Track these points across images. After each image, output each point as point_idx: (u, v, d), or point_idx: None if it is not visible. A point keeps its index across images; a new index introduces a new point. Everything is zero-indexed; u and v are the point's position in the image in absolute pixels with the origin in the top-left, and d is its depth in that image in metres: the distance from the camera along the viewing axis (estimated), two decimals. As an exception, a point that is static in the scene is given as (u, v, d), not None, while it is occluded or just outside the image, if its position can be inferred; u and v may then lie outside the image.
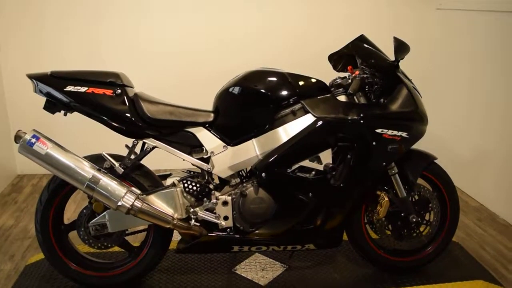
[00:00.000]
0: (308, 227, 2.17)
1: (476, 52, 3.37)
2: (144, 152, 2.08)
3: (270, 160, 2.01)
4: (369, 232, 2.33)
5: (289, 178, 2.04)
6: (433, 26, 3.81)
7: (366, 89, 2.14)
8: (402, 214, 2.26)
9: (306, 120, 2.04)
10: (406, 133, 2.09)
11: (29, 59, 3.47)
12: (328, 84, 2.20)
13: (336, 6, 3.71)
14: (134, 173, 2.11)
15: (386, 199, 2.20)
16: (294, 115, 2.06)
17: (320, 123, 2.01)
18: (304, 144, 2.02)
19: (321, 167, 2.05)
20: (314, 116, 2.03)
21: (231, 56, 3.62)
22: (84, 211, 2.11)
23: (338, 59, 2.33)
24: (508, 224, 3.03)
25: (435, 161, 2.35)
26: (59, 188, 2.09)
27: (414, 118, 2.12)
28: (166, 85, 3.48)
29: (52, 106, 2.04)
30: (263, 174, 2.01)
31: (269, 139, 2.05)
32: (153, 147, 2.09)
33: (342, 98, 2.15)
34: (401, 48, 2.01)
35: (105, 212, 2.05)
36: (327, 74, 2.30)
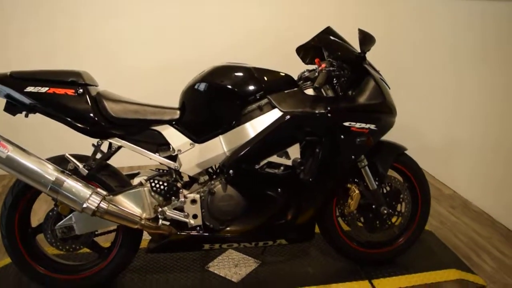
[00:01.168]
0: (279, 223, 2.15)
1: (448, 41, 3.38)
2: (109, 152, 2.04)
3: (237, 156, 1.99)
4: (341, 225, 2.33)
5: (257, 175, 2.02)
6: (407, 14, 3.81)
7: (334, 82, 2.12)
8: (373, 206, 2.26)
9: (273, 115, 2.02)
10: (374, 125, 2.09)
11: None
12: (297, 78, 2.18)
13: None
14: (100, 173, 2.07)
15: (357, 191, 2.20)
16: (261, 110, 2.04)
17: (286, 117, 1.99)
18: (271, 139, 2.00)
19: (289, 162, 2.03)
20: (281, 110, 2.01)
21: (202, 52, 3.58)
22: (50, 213, 2.07)
23: (306, 52, 2.30)
24: (481, 211, 3.07)
25: (405, 152, 2.34)
26: (23, 191, 2.04)
27: (382, 110, 2.11)
28: (135, 82, 3.44)
29: (12, 107, 1.98)
30: (231, 171, 1.99)
31: (236, 135, 2.03)
32: (119, 147, 2.05)
33: (310, 91, 2.13)
34: (366, 39, 1.99)
35: (71, 214, 2.02)
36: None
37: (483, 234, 2.79)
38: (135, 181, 2.10)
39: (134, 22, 3.53)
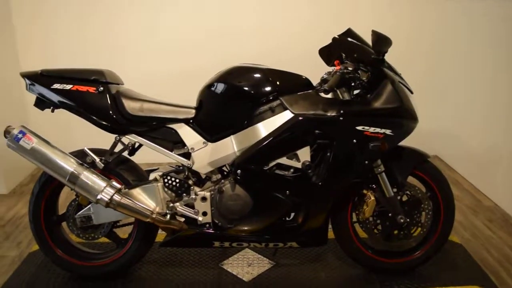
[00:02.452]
0: (289, 225, 2.15)
1: (494, 43, 3.18)
2: (126, 147, 2.13)
3: (246, 157, 2.01)
4: (357, 231, 2.28)
5: (265, 176, 2.02)
6: (436, 20, 3.66)
7: (352, 84, 2.08)
8: (390, 214, 2.19)
9: (284, 116, 2.02)
10: (390, 130, 2.02)
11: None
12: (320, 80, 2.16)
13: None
14: (118, 167, 2.17)
15: (372, 198, 2.14)
16: (273, 111, 2.04)
17: (297, 119, 1.98)
18: (280, 141, 1.99)
19: (299, 165, 2.02)
20: (292, 112, 2.00)
21: (222, 52, 3.62)
22: (73, 203, 2.20)
23: (328, 54, 2.27)
24: (521, 227, 2.86)
25: (429, 160, 2.24)
26: (49, 181, 2.18)
27: (398, 115, 2.04)
28: (159, 81, 3.57)
29: (41, 103, 2.13)
30: (239, 171, 2.01)
31: (246, 135, 2.04)
32: (135, 143, 2.14)
33: (329, 94, 2.10)
34: (380, 42, 1.93)
35: (89, 205, 2.13)
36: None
37: (519, 250, 2.61)
38: (151, 176, 2.17)
39: (162, 24, 3.68)
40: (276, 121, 2.02)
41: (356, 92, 2.15)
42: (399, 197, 2.21)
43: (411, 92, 2.16)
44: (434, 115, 3.88)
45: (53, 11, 3.60)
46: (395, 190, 2.18)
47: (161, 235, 2.28)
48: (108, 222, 2.20)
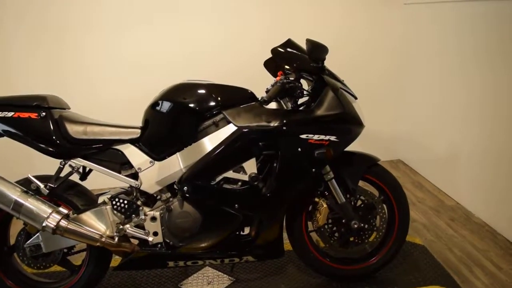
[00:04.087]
0: (243, 239, 2.12)
1: (447, 47, 3.24)
2: (71, 172, 2.10)
3: (191, 173, 1.99)
4: (313, 241, 2.26)
5: (212, 191, 2.01)
6: (402, 22, 3.71)
7: (295, 94, 2.08)
8: (343, 221, 2.19)
9: (228, 130, 2.01)
10: (334, 137, 2.02)
11: None
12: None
13: (303, 5, 3.65)
14: (66, 193, 2.14)
15: (325, 205, 2.14)
16: (217, 126, 2.03)
17: (240, 132, 1.97)
18: (225, 155, 1.98)
19: (246, 178, 2.01)
20: (235, 125, 2.00)
21: (175, 74, 3.58)
22: (22, 232, 2.15)
23: (272, 66, 2.28)
24: (483, 223, 2.88)
25: (379, 163, 2.25)
26: (-4, 212, 2.14)
27: (341, 121, 2.04)
28: (114, 105, 3.55)
29: None
30: (185, 187, 1.99)
31: (191, 152, 2.03)
32: (85, 167, 2.11)
33: (273, 105, 2.10)
34: (316, 49, 1.95)
35: (38, 233, 2.09)
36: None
37: (481, 247, 2.61)
38: (100, 199, 2.14)
39: (126, 43, 3.63)
40: (220, 135, 2.01)
41: (302, 101, 2.17)
42: (352, 203, 2.21)
43: (355, 98, 2.18)
44: (395, 120, 3.93)
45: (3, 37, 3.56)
46: (347, 196, 2.18)
47: (117, 259, 2.24)
48: (59, 250, 2.15)
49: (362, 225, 2.19)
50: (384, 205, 2.27)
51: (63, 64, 3.59)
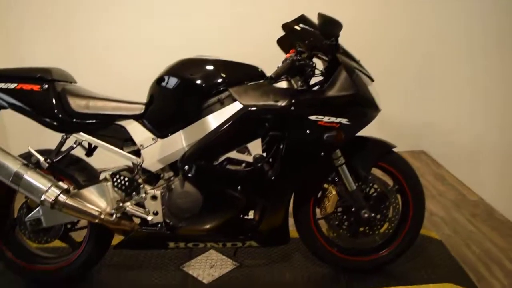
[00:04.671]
0: (248, 223, 2.04)
1: (477, 38, 3.04)
2: (72, 146, 2.05)
3: (193, 152, 1.91)
4: (320, 228, 2.16)
5: (213, 171, 1.92)
6: (432, 12, 3.52)
7: (306, 73, 1.97)
8: (353, 209, 2.07)
9: (234, 108, 1.91)
10: (346, 120, 1.90)
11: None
12: None
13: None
14: (68, 167, 2.09)
15: (334, 192, 2.04)
16: (222, 103, 1.94)
17: (246, 111, 1.88)
18: (228, 134, 1.89)
19: (250, 159, 1.91)
20: (241, 103, 1.90)
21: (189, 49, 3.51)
22: (23, 206, 2.13)
23: (285, 43, 2.16)
24: (505, 220, 2.71)
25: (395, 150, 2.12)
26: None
27: (354, 103, 1.92)
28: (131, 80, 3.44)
29: None
30: (186, 167, 1.91)
31: (195, 130, 1.94)
32: (82, 142, 2.06)
33: (283, 84, 1.99)
34: (328, 25, 1.81)
35: (39, 207, 2.05)
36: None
37: (501, 245, 2.46)
38: (101, 176, 2.08)
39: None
40: (225, 114, 1.91)
41: (316, 81, 2.06)
42: (364, 191, 2.09)
43: (371, 80, 2.05)
44: (421, 110, 3.75)
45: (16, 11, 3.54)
46: (358, 183, 2.06)
47: (119, 238, 2.19)
48: (60, 225, 2.12)
49: (372, 214, 2.07)
50: (398, 195, 2.14)
51: (73, 39, 3.56)
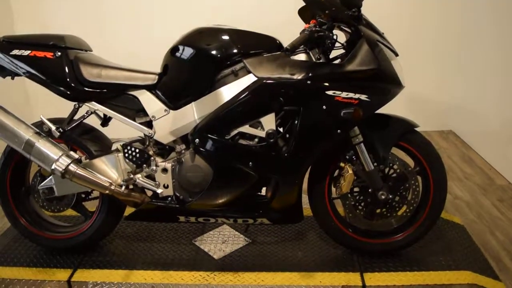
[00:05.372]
0: (260, 200, 1.98)
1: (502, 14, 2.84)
2: (84, 116, 2.02)
3: (204, 125, 1.85)
4: (336, 208, 2.09)
5: (225, 145, 1.86)
6: None
7: (329, 45, 1.87)
8: (370, 190, 1.99)
9: (248, 80, 1.83)
10: (365, 96, 1.80)
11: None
12: None
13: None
14: (81, 137, 2.08)
15: (350, 172, 1.95)
16: (236, 75, 1.86)
17: (260, 83, 1.80)
18: (241, 107, 1.81)
19: (263, 134, 1.84)
20: (256, 76, 1.82)
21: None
22: (37, 174, 2.13)
23: (306, 13, 2.05)
24: (535, 208, 2.57)
25: (417, 130, 2.01)
26: (14, 151, 2.11)
27: (375, 78, 1.81)
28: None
29: (1, 70, 2.05)
30: (196, 140, 1.86)
31: (207, 102, 1.88)
32: (94, 111, 2.02)
33: (301, 56, 1.90)
34: None
35: (51, 176, 2.05)
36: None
37: (528, 234, 2.33)
38: (114, 146, 2.06)
39: None
40: (238, 86, 1.84)
41: (337, 55, 1.96)
42: (382, 172, 1.99)
43: (396, 54, 1.93)
44: (450, 88, 3.58)
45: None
46: (376, 163, 1.96)
47: (132, 210, 2.17)
48: (72, 194, 2.12)
49: (390, 196, 1.98)
50: (419, 178, 2.04)
51: (94, 7, 3.53)
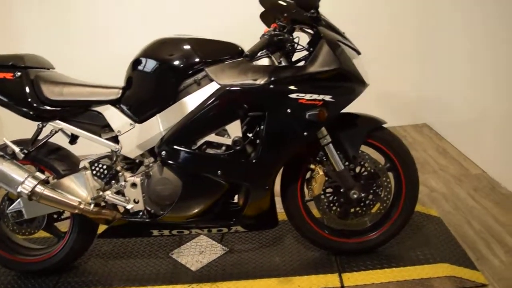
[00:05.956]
0: (233, 208, 1.97)
1: (481, 7, 2.88)
2: (49, 135, 1.99)
3: (170, 136, 1.83)
4: (310, 210, 2.08)
5: (192, 156, 1.84)
6: None
7: (289, 48, 1.86)
8: (342, 190, 1.98)
9: (211, 89, 1.82)
10: (329, 96, 1.80)
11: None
12: None
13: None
14: (48, 157, 2.04)
15: (321, 173, 1.94)
16: (199, 84, 1.84)
17: (222, 91, 1.78)
18: (206, 116, 1.80)
19: (229, 141, 1.83)
20: (218, 83, 1.80)
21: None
22: (5, 198, 2.09)
23: (270, 18, 2.04)
24: (509, 194, 2.59)
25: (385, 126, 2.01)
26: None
27: (338, 78, 1.81)
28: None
29: None
30: (163, 152, 1.84)
31: (171, 113, 1.86)
32: (59, 130, 1.99)
33: (264, 61, 1.89)
34: None
35: (19, 199, 2.01)
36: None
37: (504, 221, 2.35)
38: (81, 164, 2.03)
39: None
40: (202, 95, 1.83)
41: (301, 57, 1.95)
42: (354, 171, 1.99)
43: (358, 53, 1.93)
44: (422, 82, 3.62)
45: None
46: (346, 162, 1.96)
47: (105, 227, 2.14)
48: (43, 216, 2.08)
49: (362, 195, 1.98)
50: (391, 174, 2.05)
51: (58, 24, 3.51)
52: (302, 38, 1.93)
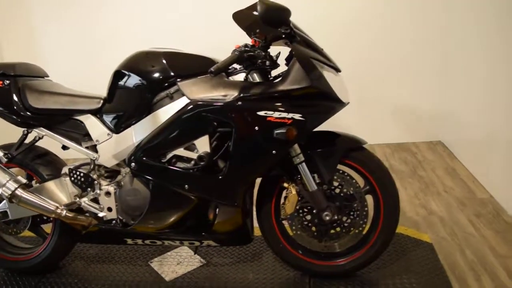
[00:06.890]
0: (204, 222, 1.96)
1: (497, 23, 2.71)
2: (33, 141, 2.07)
3: (139, 148, 1.85)
4: (284, 229, 2.04)
5: (160, 169, 1.85)
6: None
7: (260, 64, 1.83)
8: (314, 211, 1.93)
9: (182, 103, 1.82)
10: (299, 115, 1.75)
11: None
12: None
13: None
14: (34, 161, 2.12)
15: (294, 192, 1.90)
16: (171, 98, 1.85)
17: (192, 105, 1.78)
18: (174, 130, 1.81)
19: (195, 156, 1.82)
20: (188, 98, 1.81)
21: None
22: (-6, 199, 2.19)
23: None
24: (513, 223, 2.42)
25: (365, 147, 1.94)
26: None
27: (309, 96, 1.76)
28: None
29: None
30: (132, 164, 1.86)
31: (144, 125, 1.88)
32: (43, 136, 2.06)
33: (240, 77, 1.88)
34: (270, 13, 1.66)
35: (4, 201, 2.10)
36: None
37: (501, 252, 2.19)
38: (63, 170, 2.09)
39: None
40: (173, 109, 1.83)
41: (279, 73, 1.92)
42: (329, 191, 1.93)
43: (337, 70, 1.87)
44: (441, 100, 3.46)
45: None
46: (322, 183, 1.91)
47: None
48: (28, 217, 2.16)
49: (336, 217, 1.91)
50: (369, 197, 1.96)
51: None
52: (283, 53, 1.90)
